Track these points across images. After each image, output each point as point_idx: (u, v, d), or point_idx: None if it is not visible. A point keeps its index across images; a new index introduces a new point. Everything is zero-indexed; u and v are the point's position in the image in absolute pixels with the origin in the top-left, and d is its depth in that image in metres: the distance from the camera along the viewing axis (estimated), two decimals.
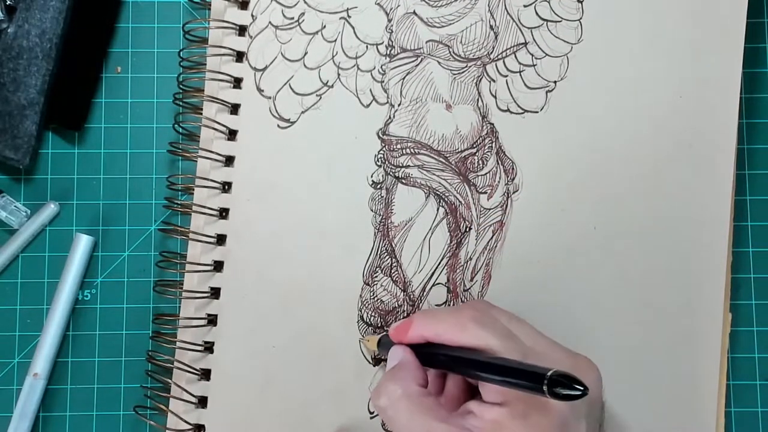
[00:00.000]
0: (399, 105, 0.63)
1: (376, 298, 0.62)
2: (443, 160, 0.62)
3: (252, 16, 0.63)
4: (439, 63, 0.63)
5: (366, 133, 0.63)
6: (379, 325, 0.62)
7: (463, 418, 0.49)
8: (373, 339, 0.60)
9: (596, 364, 0.52)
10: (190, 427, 0.61)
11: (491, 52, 0.63)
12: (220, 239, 0.62)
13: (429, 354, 0.52)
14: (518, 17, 0.63)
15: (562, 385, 0.41)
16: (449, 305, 0.62)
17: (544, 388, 0.41)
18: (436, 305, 0.62)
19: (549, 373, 0.41)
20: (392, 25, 0.63)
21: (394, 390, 0.51)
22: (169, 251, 0.63)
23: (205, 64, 0.63)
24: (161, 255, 0.63)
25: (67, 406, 0.64)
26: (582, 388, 0.41)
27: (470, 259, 0.62)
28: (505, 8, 0.63)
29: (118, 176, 0.65)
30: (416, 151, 0.62)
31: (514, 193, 0.62)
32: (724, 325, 0.62)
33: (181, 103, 0.63)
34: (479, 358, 0.48)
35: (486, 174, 0.62)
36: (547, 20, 0.63)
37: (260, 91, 0.63)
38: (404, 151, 0.62)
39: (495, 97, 0.63)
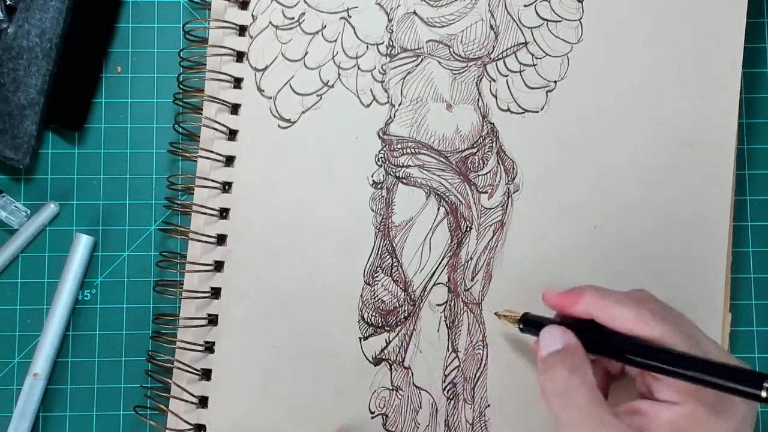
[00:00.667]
0: (399, 105, 0.63)
1: (376, 298, 0.62)
2: (444, 160, 0.62)
3: (252, 16, 0.63)
4: (439, 63, 0.63)
5: (366, 132, 0.63)
6: (380, 324, 0.62)
7: (630, 416, 0.48)
8: (511, 316, 0.58)
9: None
10: (191, 427, 0.61)
11: (491, 52, 0.63)
12: (221, 239, 0.62)
13: (591, 337, 0.50)
14: (518, 17, 0.63)
15: None
16: (450, 305, 0.62)
17: (763, 394, 0.41)
18: (437, 305, 0.62)
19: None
20: (392, 25, 0.63)
21: (569, 376, 0.48)
22: (169, 251, 0.63)
23: (205, 64, 0.63)
24: (161, 255, 0.62)
25: (67, 406, 0.64)
26: None
27: (471, 258, 0.62)
28: (506, 8, 0.63)
29: (118, 176, 0.65)
30: (417, 150, 0.62)
31: (514, 192, 0.62)
32: (724, 325, 0.62)
33: (181, 103, 0.63)
34: (676, 353, 0.46)
35: (486, 174, 0.62)
36: (547, 20, 0.63)
37: (261, 91, 0.63)
38: (405, 150, 0.62)
39: (495, 96, 0.63)
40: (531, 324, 0.55)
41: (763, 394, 0.41)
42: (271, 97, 0.63)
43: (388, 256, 0.62)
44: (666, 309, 0.50)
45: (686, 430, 0.45)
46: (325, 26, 0.63)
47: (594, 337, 0.50)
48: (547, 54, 0.63)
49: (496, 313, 0.61)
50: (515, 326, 0.57)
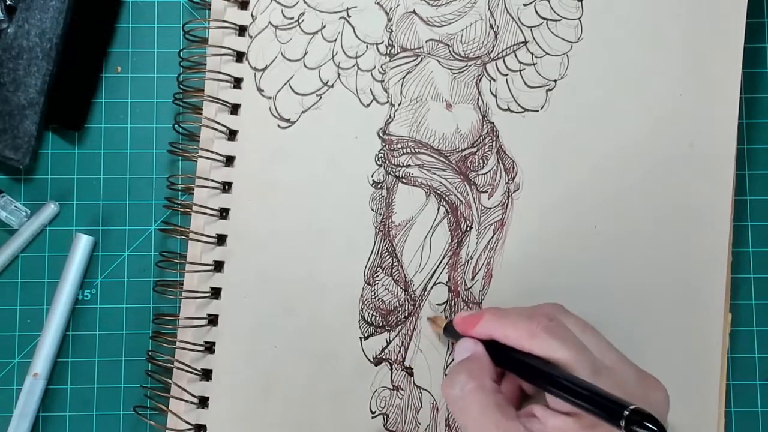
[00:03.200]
0: (399, 104, 0.63)
1: (377, 298, 0.62)
2: (444, 160, 0.62)
3: (252, 16, 0.63)
4: (439, 62, 0.63)
5: (366, 132, 0.63)
6: (381, 324, 0.62)
7: (528, 420, 0.48)
8: (441, 320, 0.60)
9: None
10: (191, 427, 0.61)
11: (491, 51, 0.63)
12: (221, 239, 0.62)
13: (498, 352, 0.52)
14: (518, 16, 0.63)
15: (637, 423, 0.41)
16: (450, 305, 0.62)
17: (622, 423, 0.41)
18: (437, 305, 0.62)
19: (628, 410, 0.41)
20: (392, 25, 0.63)
21: (467, 382, 0.50)
22: (169, 251, 0.63)
23: (205, 64, 0.63)
24: (161, 255, 0.62)
25: (67, 406, 0.64)
26: (658, 430, 0.41)
27: (471, 258, 0.62)
28: (505, 7, 0.63)
29: (118, 176, 0.65)
30: (417, 150, 0.62)
31: (514, 192, 0.62)
32: (724, 325, 0.62)
33: (181, 103, 0.63)
34: (553, 372, 0.47)
35: (486, 173, 0.62)
36: (547, 19, 0.63)
37: (260, 91, 0.63)
38: (405, 150, 0.62)
39: (495, 96, 0.63)
40: (450, 333, 0.57)
41: (622, 423, 0.41)
42: (270, 97, 0.63)
43: (388, 256, 0.62)
44: (559, 324, 0.51)
45: None
46: (324, 26, 0.63)
47: (498, 352, 0.52)
48: (546, 53, 0.63)
49: (428, 318, 0.62)
50: (438, 332, 0.60)
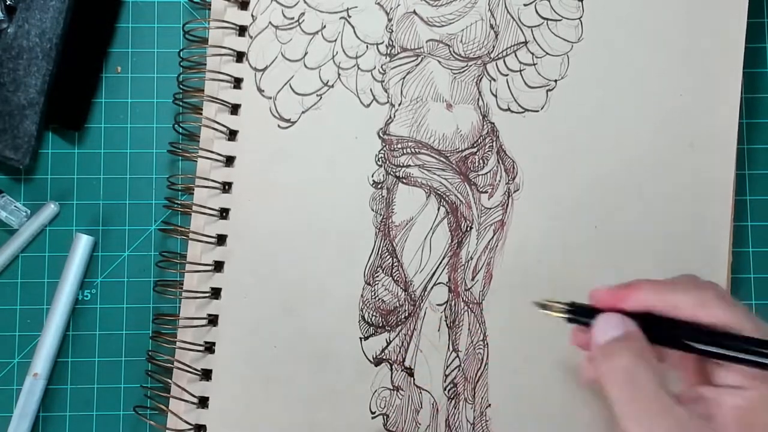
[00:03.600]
0: (399, 104, 0.63)
1: (377, 298, 0.62)
2: (444, 160, 0.62)
3: (252, 16, 0.63)
4: (439, 62, 0.63)
5: (366, 132, 0.63)
6: (381, 324, 0.62)
7: (692, 404, 0.45)
8: (556, 306, 0.51)
9: None
10: (191, 427, 0.61)
11: (491, 51, 0.63)
12: (221, 239, 0.62)
13: (653, 327, 0.47)
14: (518, 16, 0.63)
15: None
16: (450, 305, 0.62)
17: None
18: (437, 305, 0.62)
19: None
20: (392, 25, 0.63)
21: (634, 363, 0.45)
22: (169, 251, 0.63)
23: (205, 64, 0.63)
24: (161, 255, 0.62)
25: (67, 406, 0.64)
26: None
27: (471, 258, 0.62)
28: (506, 7, 0.63)
29: (118, 176, 0.65)
30: (417, 150, 0.62)
31: (514, 192, 0.62)
32: None
33: (181, 103, 0.63)
34: (747, 337, 0.44)
35: (487, 173, 0.62)
36: (547, 19, 0.63)
37: (260, 91, 0.63)
38: (405, 150, 0.62)
39: (495, 96, 0.63)
40: (581, 312, 0.50)
41: None
42: (270, 97, 0.63)
43: (388, 256, 0.62)
44: (727, 293, 0.48)
45: (756, 414, 0.43)
46: (324, 26, 0.63)
47: (653, 326, 0.47)
48: (547, 53, 0.63)
49: (537, 303, 0.52)
50: (560, 316, 0.51)
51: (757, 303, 0.65)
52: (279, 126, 0.63)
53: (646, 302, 0.47)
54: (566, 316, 0.50)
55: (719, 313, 0.44)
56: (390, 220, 0.62)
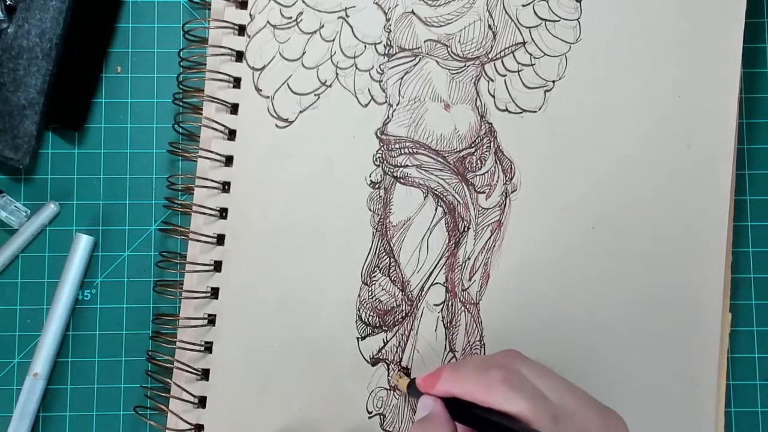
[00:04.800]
0: (397, 104, 0.63)
1: (374, 298, 0.62)
2: (441, 160, 0.62)
3: (250, 15, 0.63)
4: (437, 62, 0.63)
5: (364, 132, 0.63)
6: (378, 325, 0.62)
7: None
8: (403, 381, 0.59)
9: (621, 415, 0.51)
10: (191, 426, 0.61)
11: (489, 52, 0.63)
12: (220, 239, 0.62)
13: (459, 409, 0.51)
14: (516, 17, 0.63)
15: None
16: (447, 305, 0.62)
17: None
18: (434, 305, 0.62)
19: None
20: (390, 25, 0.63)
21: None
22: (169, 251, 0.63)
23: (205, 64, 0.63)
24: (161, 255, 0.63)
25: (67, 406, 0.64)
26: None
27: (468, 258, 0.62)
28: (504, 8, 0.63)
29: (118, 176, 0.65)
30: (414, 150, 0.62)
31: (512, 192, 0.62)
32: (724, 325, 0.62)
33: (180, 103, 0.63)
34: (512, 426, 0.47)
35: (484, 173, 0.62)
36: (545, 20, 0.63)
37: (258, 90, 0.63)
38: (402, 150, 0.62)
39: (493, 96, 0.63)
40: (414, 392, 0.56)
41: None
42: (268, 97, 0.63)
43: (385, 256, 0.62)
44: (516, 373, 0.50)
45: None
46: (323, 26, 0.63)
47: (457, 408, 0.52)
48: (545, 54, 0.63)
49: (393, 374, 0.62)
50: (404, 390, 0.59)
51: (757, 303, 0.65)
52: (277, 125, 0.63)
53: (446, 389, 0.51)
54: (405, 390, 0.59)
55: (501, 397, 0.48)
56: (387, 220, 0.62)
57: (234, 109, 0.63)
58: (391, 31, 0.63)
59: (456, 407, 0.51)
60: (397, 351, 0.61)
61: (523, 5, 0.63)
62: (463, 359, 0.55)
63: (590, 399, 0.50)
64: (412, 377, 0.59)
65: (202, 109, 0.63)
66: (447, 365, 0.55)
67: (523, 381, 0.49)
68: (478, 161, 0.62)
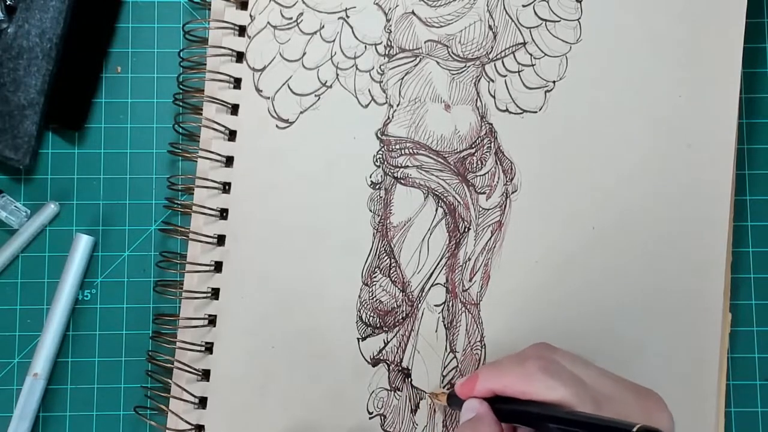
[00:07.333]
0: (398, 105, 0.62)
1: (374, 299, 0.62)
2: (442, 161, 0.62)
3: (250, 16, 0.63)
4: (437, 63, 0.63)
5: (365, 133, 0.63)
6: (378, 325, 0.62)
7: None
8: (442, 395, 0.59)
9: (659, 394, 0.52)
10: (191, 427, 0.61)
11: (490, 52, 0.63)
12: (220, 239, 0.62)
13: (503, 408, 0.52)
14: (517, 17, 0.63)
15: None
16: (448, 306, 0.62)
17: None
18: (435, 306, 0.62)
19: (635, 430, 0.41)
20: (391, 25, 0.63)
21: None
22: (169, 251, 0.63)
23: (205, 65, 0.63)
24: (161, 255, 0.63)
25: (67, 406, 0.64)
26: None
27: (469, 259, 0.62)
28: (504, 8, 0.63)
29: (118, 176, 0.65)
30: (415, 151, 0.62)
31: (512, 193, 0.62)
32: (724, 325, 0.62)
33: (181, 103, 0.63)
34: (556, 413, 0.47)
35: (485, 174, 0.62)
36: (545, 20, 0.63)
37: (259, 91, 0.63)
38: (403, 151, 0.62)
39: (494, 97, 0.63)
40: (455, 402, 0.56)
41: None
42: (269, 98, 0.63)
43: (386, 257, 0.62)
44: (552, 361, 0.51)
45: None
46: (323, 26, 0.63)
47: (502, 407, 0.52)
48: (545, 54, 0.63)
49: (429, 395, 0.62)
50: (445, 405, 0.59)
51: (757, 303, 0.65)
52: (277, 126, 0.62)
53: (486, 387, 0.52)
54: (446, 405, 0.59)
55: (542, 387, 0.48)
56: (388, 221, 0.62)
57: (234, 109, 0.63)
58: (391, 31, 0.63)
59: (498, 408, 0.52)
60: (397, 351, 0.61)
61: (524, 5, 0.63)
62: (497, 359, 0.54)
63: (626, 382, 0.51)
64: (448, 390, 0.59)
65: (202, 110, 0.63)
66: (484, 366, 0.56)
67: (560, 368, 0.50)
68: (479, 162, 0.62)
